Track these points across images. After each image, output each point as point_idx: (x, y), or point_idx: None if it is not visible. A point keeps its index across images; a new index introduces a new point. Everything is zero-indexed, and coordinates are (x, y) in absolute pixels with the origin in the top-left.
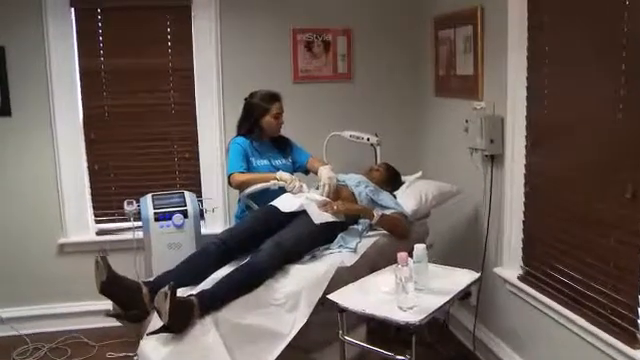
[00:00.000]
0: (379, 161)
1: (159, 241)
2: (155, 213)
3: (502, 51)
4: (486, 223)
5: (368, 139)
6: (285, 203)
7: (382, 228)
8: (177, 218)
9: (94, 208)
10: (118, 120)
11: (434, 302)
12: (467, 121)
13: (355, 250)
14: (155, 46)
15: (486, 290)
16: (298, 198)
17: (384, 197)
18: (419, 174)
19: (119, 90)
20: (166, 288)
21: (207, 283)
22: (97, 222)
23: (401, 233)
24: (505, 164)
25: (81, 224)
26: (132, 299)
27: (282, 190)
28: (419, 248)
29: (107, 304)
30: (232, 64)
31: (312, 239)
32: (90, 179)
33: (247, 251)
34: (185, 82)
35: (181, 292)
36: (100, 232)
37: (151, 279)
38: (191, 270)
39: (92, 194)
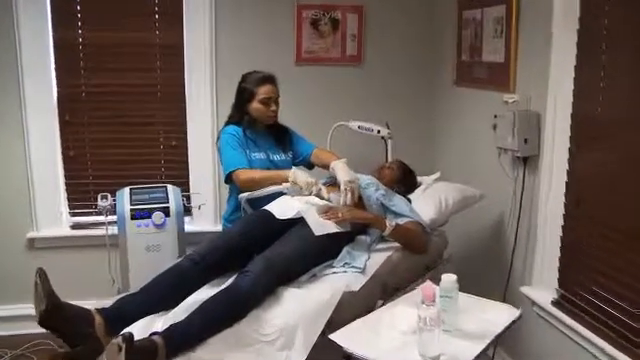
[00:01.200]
0: (390, 157)
1: (136, 242)
2: (132, 210)
3: (543, 34)
4: (514, 235)
5: (378, 131)
6: (281, 208)
7: (395, 241)
8: (157, 217)
9: (69, 199)
10: (97, 101)
11: (466, 350)
12: (496, 116)
13: (363, 270)
14: (140, 18)
15: None
16: (297, 201)
17: (397, 202)
18: (437, 175)
19: (99, 67)
20: (119, 339)
21: (179, 311)
22: (72, 215)
23: (418, 247)
24: (541, 169)
25: (54, 217)
26: (80, 333)
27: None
28: (448, 279)
29: (86, 305)
30: (227, 41)
31: (312, 255)
32: (64, 167)
33: (232, 268)
34: (174, 60)
35: (147, 321)
36: (75, 226)
37: (107, 306)
38: (161, 293)
39: (67, 183)
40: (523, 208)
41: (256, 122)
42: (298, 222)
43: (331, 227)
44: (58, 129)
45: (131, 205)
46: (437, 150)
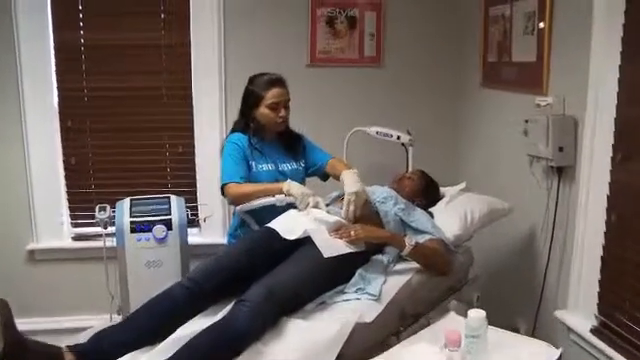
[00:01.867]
0: (411, 165)
1: (136, 257)
2: (132, 222)
3: (581, 30)
4: (546, 253)
5: (398, 137)
6: (287, 226)
7: (416, 261)
8: (158, 230)
9: (70, 209)
10: (100, 106)
11: None
12: (527, 121)
13: (379, 297)
14: (145, 18)
15: (541, 335)
16: (305, 218)
17: (418, 217)
18: (462, 185)
19: (101, 70)
20: None
21: (166, 346)
22: (74, 226)
23: (441, 268)
24: (579, 180)
25: (55, 228)
26: None
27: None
28: (476, 317)
29: (87, 320)
30: (237, 41)
31: (320, 279)
32: (66, 175)
33: (231, 294)
34: (180, 62)
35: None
36: (77, 237)
37: (80, 341)
38: (146, 325)
39: (68, 193)
40: (557, 223)
41: (264, 129)
42: (306, 241)
43: (342, 247)
44: (59, 135)
45: (131, 217)
46: (462, 158)
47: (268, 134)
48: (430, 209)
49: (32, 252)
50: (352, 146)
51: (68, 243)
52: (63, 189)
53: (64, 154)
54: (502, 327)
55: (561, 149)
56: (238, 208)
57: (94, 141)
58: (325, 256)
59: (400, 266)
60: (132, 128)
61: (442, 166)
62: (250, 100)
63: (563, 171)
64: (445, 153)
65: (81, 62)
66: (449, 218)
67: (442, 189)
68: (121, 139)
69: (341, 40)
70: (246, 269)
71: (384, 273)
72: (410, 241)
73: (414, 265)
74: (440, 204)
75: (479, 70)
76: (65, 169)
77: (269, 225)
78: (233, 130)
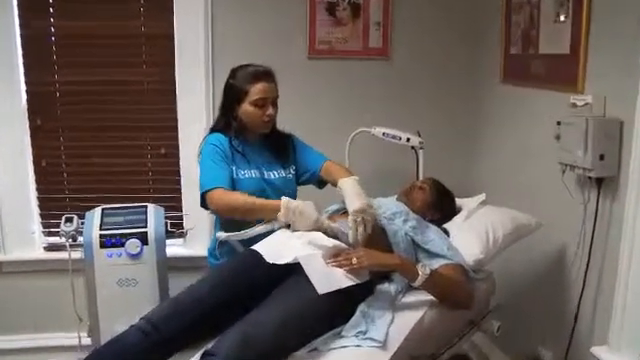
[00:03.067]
0: (422, 171)
1: (106, 275)
2: (102, 236)
3: (629, 15)
4: (581, 277)
5: (408, 140)
6: (275, 249)
7: (430, 293)
8: (132, 245)
9: (42, 217)
10: (73, 102)
11: None
12: (559, 123)
13: (384, 343)
14: (123, 4)
15: None
16: (298, 239)
17: (433, 237)
18: (482, 197)
19: (75, 62)
20: None
21: None
22: (47, 234)
23: (462, 300)
24: (624, 194)
25: (25, 237)
26: None
27: None
28: None
29: (55, 339)
30: (226, 30)
31: (312, 322)
32: (36, 179)
33: (201, 337)
34: (163, 53)
35: None
36: (50, 247)
37: None
38: None
39: (39, 199)
40: (595, 243)
41: (247, 129)
42: (296, 269)
43: (341, 280)
44: (28, 135)
45: (101, 230)
46: (480, 165)
47: (252, 135)
48: (444, 225)
49: None
50: (355, 149)
51: (40, 254)
52: (33, 194)
53: (34, 156)
54: None
55: (602, 157)
56: (224, 236)
57: (67, 141)
58: (320, 292)
59: (410, 297)
60: (109, 127)
61: (457, 174)
62: (232, 95)
63: (604, 183)
64: (461, 159)
65: (52, 53)
66: (468, 237)
67: (458, 201)
68: (97, 139)
69: (343, 29)
70: (219, 307)
71: (391, 308)
72: (424, 269)
73: (427, 297)
74: (456, 220)
75: (499, 64)
76: (35, 172)
77: (254, 248)
78: (212, 130)
